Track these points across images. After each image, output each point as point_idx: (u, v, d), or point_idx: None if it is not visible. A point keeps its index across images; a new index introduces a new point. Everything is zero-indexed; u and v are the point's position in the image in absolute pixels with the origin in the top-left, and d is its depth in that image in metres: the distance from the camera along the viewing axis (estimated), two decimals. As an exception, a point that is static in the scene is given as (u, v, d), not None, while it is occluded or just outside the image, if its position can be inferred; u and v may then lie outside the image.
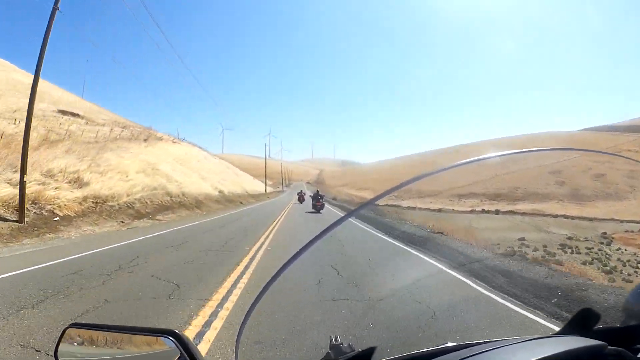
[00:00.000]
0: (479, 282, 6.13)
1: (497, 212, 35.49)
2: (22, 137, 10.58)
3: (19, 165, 10.29)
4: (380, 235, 13.02)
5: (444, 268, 7.33)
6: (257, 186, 63.22)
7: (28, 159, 10.37)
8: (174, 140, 43.00)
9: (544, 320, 4.32)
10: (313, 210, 23.41)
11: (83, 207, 12.46)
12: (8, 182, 10.98)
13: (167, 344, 0.80)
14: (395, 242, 11.16)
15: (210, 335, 3.39)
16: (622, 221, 27.33)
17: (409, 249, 9.81)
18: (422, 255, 8.84)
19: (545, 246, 12.97)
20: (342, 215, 0.72)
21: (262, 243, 9.48)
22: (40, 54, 10.50)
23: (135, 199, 16.32)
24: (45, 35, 10.45)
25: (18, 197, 9.84)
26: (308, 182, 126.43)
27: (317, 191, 26.06)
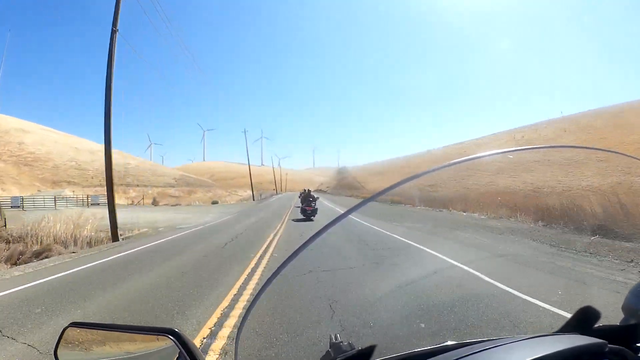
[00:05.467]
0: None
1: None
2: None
3: None
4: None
5: None
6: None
7: None
8: None
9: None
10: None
11: None
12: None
13: (166, 343, 0.80)
14: None
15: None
16: None
17: None
18: None
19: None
20: None
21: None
22: None
23: None
24: None
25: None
26: (319, 190, 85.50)
27: (308, 190, 20.50)
